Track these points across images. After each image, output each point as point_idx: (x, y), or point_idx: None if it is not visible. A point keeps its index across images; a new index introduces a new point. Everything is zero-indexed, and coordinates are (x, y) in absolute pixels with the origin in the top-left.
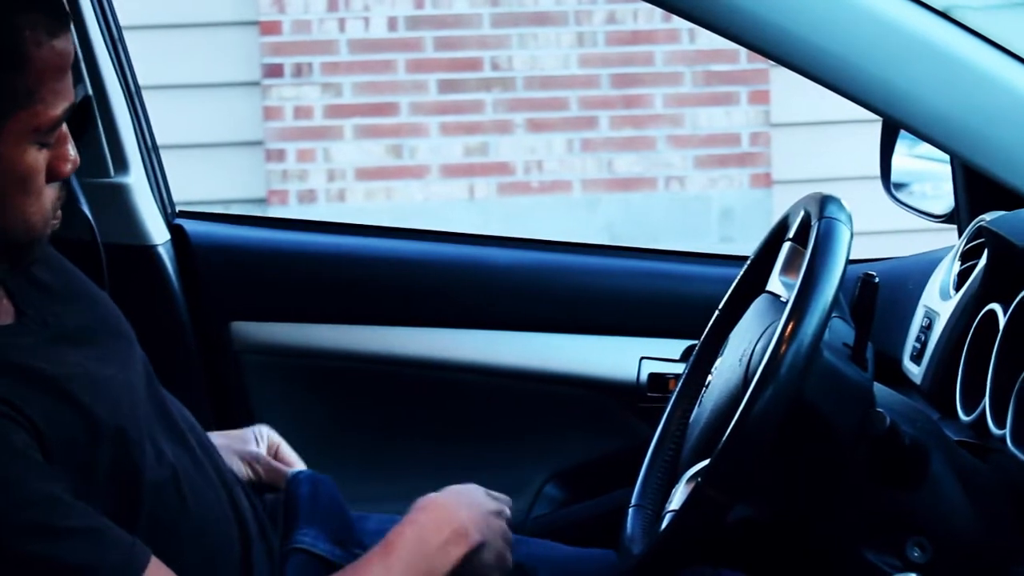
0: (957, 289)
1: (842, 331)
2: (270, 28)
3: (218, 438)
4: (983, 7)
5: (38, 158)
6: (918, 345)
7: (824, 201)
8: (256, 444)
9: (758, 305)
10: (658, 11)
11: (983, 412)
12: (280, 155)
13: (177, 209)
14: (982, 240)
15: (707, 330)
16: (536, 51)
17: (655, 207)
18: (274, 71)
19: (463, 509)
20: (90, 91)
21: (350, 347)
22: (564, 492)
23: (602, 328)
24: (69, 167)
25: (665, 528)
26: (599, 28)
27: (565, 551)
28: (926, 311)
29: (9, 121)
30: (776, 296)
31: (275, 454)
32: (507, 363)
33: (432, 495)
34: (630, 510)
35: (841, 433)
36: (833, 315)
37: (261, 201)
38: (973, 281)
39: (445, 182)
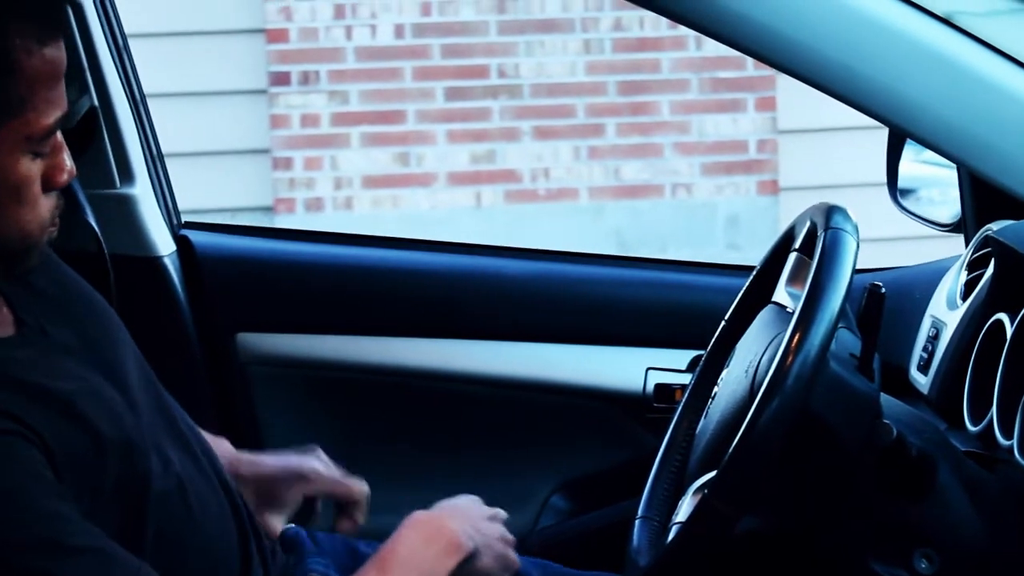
0: (964, 299)
1: (848, 342)
2: (277, 36)
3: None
4: (986, 13)
5: (32, 168)
6: (925, 355)
7: (830, 211)
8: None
9: (764, 316)
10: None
11: (990, 423)
12: (287, 163)
13: (183, 219)
14: (989, 249)
15: (713, 341)
16: (543, 58)
17: (662, 214)
18: (281, 79)
19: (452, 520)
20: (95, 102)
21: (356, 358)
22: (570, 503)
23: (608, 338)
24: (64, 177)
25: (672, 540)
26: (606, 35)
27: (566, 573)
28: (933, 321)
29: (1, 129)
30: (782, 307)
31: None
32: (513, 374)
33: (421, 511)
34: (636, 522)
35: (848, 444)
36: (840, 326)
37: (268, 209)
38: (980, 291)
39: (452, 190)
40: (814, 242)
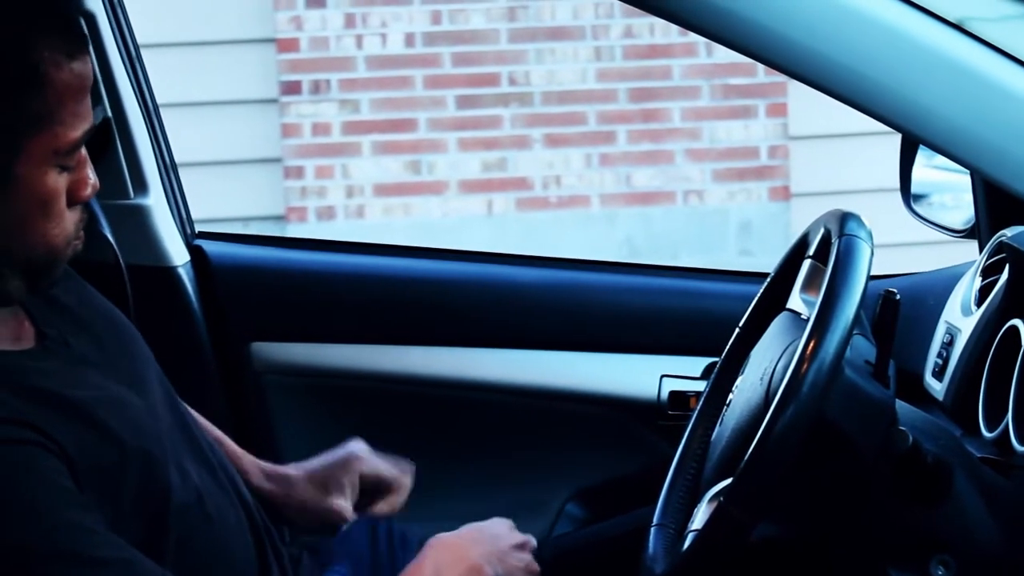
0: (978, 305)
1: (863, 349)
2: (288, 45)
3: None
4: (998, 18)
5: (58, 181)
6: (940, 361)
7: (844, 218)
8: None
9: (779, 323)
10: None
11: (1006, 429)
12: (298, 172)
13: (197, 229)
14: (1003, 255)
15: (728, 348)
16: (554, 66)
17: (674, 221)
18: (292, 88)
19: (476, 546)
20: (109, 113)
21: (370, 367)
22: (585, 511)
23: (622, 346)
24: (89, 191)
25: (687, 547)
26: (616, 42)
27: None
28: (947, 327)
29: (29, 142)
30: (797, 314)
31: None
32: (527, 382)
33: (445, 534)
34: (652, 529)
35: (864, 451)
36: (855, 332)
37: (280, 218)
38: (995, 297)
39: (463, 198)
40: (828, 249)
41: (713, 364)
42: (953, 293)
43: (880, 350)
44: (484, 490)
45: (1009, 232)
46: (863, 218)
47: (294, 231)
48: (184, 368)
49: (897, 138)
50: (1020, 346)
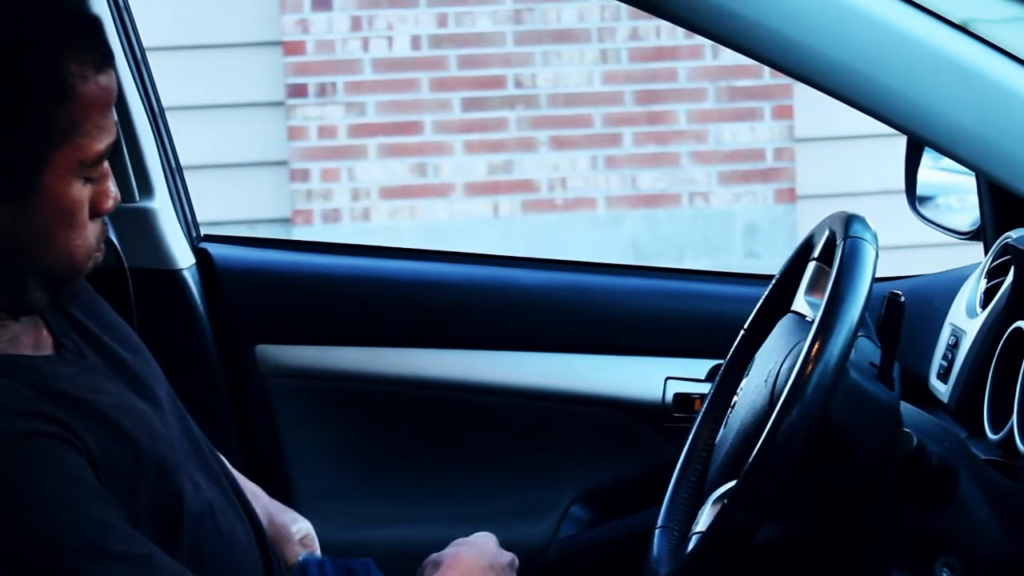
0: (984, 307)
1: (868, 350)
2: (294, 48)
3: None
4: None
5: (82, 192)
6: (945, 363)
7: (849, 220)
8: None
9: (784, 325)
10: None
11: (1011, 430)
12: (304, 175)
13: (202, 232)
14: (1008, 257)
15: (732, 350)
16: (559, 68)
17: (680, 223)
18: (298, 91)
19: (483, 559)
20: (115, 116)
21: (375, 370)
22: (590, 513)
23: (627, 348)
24: (110, 203)
25: (692, 550)
26: (622, 45)
27: None
28: (952, 329)
29: (55, 153)
30: (802, 316)
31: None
32: (532, 384)
33: (454, 551)
34: (656, 531)
35: (868, 453)
36: (859, 334)
37: (286, 221)
38: (1000, 299)
39: (469, 200)
40: (833, 251)
41: (718, 366)
42: (958, 295)
43: (885, 352)
44: (489, 492)
45: (1014, 234)
46: (868, 220)
47: (300, 234)
48: (189, 371)
49: (903, 140)
50: None
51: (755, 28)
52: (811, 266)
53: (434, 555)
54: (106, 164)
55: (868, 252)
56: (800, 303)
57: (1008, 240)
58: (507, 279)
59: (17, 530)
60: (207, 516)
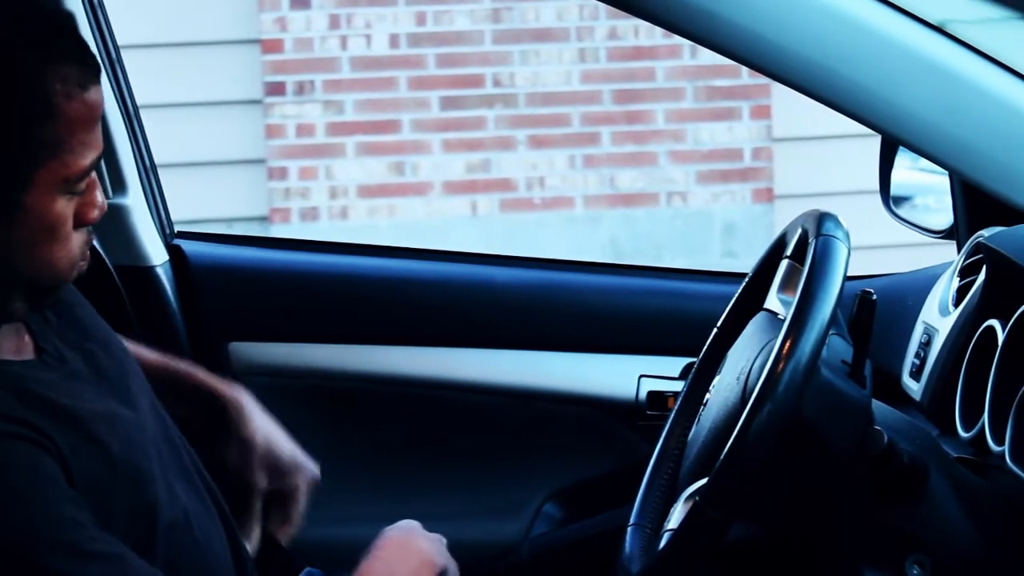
0: (956, 305)
1: (840, 348)
2: (272, 46)
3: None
4: (979, 21)
5: (66, 207)
6: (917, 361)
7: (821, 218)
8: None
9: (756, 323)
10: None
11: (982, 429)
12: (282, 173)
13: (176, 229)
14: (981, 256)
15: (705, 348)
16: (538, 67)
17: (658, 223)
18: (276, 89)
19: (423, 540)
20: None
21: (350, 367)
22: (563, 511)
23: (601, 346)
24: (96, 213)
25: (663, 547)
26: (601, 44)
27: None
28: (925, 327)
29: (39, 170)
30: (774, 314)
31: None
32: (506, 382)
33: (392, 530)
34: (629, 529)
35: (839, 451)
36: (831, 332)
37: (263, 219)
38: (972, 297)
39: (447, 199)
40: (805, 249)
41: (691, 364)
42: (931, 294)
43: (856, 350)
44: (462, 489)
45: (986, 233)
46: (840, 218)
47: (278, 232)
48: None
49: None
50: (996, 346)
51: (731, 27)
52: (784, 264)
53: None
54: (93, 175)
55: (840, 250)
56: (773, 301)
57: (980, 239)
58: (480, 277)
59: None
60: (182, 525)
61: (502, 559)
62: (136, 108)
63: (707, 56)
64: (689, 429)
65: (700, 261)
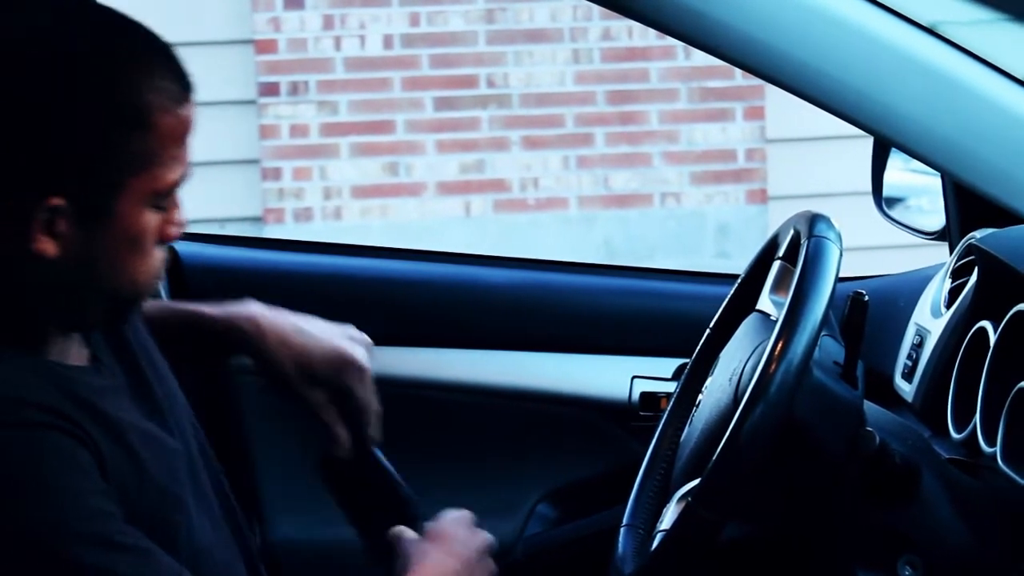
0: (948, 307)
1: (832, 350)
2: (266, 47)
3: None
4: (970, 23)
5: (152, 220)
6: (909, 363)
7: (814, 220)
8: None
9: (748, 324)
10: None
11: (974, 430)
12: (276, 173)
13: None
14: (973, 257)
15: (698, 349)
16: (532, 68)
17: (651, 223)
18: (270, 89)
19: (455, 559)
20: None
21: None
22: (556, 512)
23: (594, 347)
24: (176, 231)
25: (656, 548)
26: (594, 45)
27: None
28: (917, 328)
29: (131, 180)
30: (766, 315)
31: None
32: (499, 383)
33: (423, 549)
34: (621, 529)
35: (831, 452)
36: (823, 333)
37: (257, 219)
38: (964, 299)
39: (441, 199)
40: (797, 250)
41: (684, 365)
42: (923, 295)
43: (848, 351)
44: (455, 490)
45: (979, 234)
46: (832, 220)
47: (271, 233)
48: None
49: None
50: (988, 348)
51: (723, 29)
52: (776, 265)
53: (408, 543)
54: (177, 193)
55: (832, 251)
56: (765, 302)
57: (972, 240)
58: (475, 278)
59: (24, 516)
60: (205, 555)
61: (496, 560)
62: None
63: (701, 57)
64: (682, 430)
65: (693, 262)
